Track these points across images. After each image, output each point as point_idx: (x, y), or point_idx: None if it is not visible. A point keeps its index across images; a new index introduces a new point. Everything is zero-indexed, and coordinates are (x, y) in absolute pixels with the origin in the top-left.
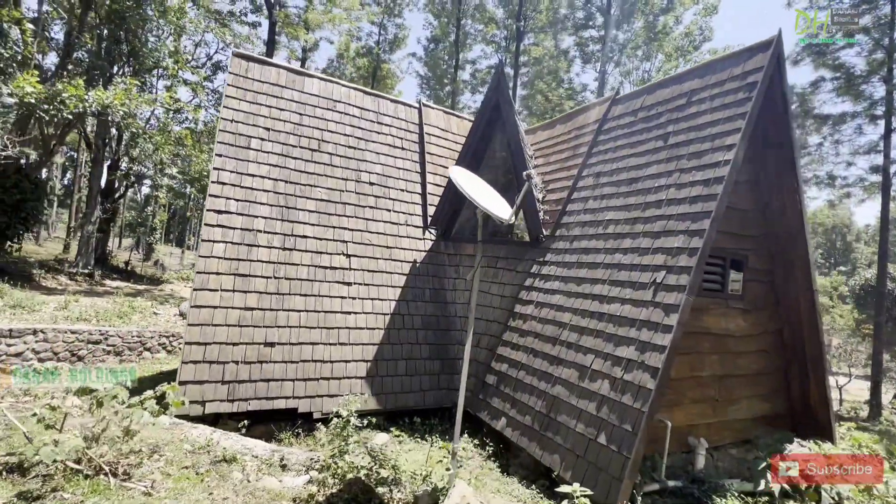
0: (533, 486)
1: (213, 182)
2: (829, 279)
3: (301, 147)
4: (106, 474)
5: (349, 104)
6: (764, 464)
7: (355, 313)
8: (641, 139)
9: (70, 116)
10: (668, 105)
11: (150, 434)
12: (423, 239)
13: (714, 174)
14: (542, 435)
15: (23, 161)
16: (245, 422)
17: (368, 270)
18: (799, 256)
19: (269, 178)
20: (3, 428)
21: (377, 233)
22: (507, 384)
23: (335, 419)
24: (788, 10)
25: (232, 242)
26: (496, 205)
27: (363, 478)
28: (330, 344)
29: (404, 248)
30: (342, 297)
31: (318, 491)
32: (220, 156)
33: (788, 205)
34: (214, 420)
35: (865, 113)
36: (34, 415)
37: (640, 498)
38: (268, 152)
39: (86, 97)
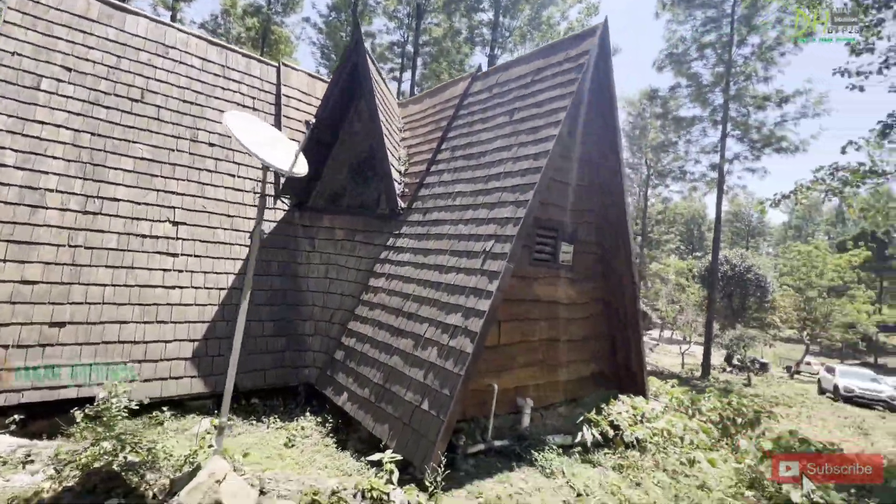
0: (362, 459)
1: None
2: (686, 262)
3: (116, 95)
4: None
5: (187, 52)
6: (581, 418)
7: (182, 287)
8: (493, 114)
9: None
10: (518, 82)
11: None
12: (274, 208)
13: (541, 148)
14: (377, 407)
15: None
16: (15, 416)
17: (202, 241)
18: (622, 233)
19: (68, 129)
20: None
21: (215, 199)
22: (352, 359)
23: (101, 403)
24: (657, 21)
25: (5, 202)
26: (280, 156)
27: (112, 466)
28: (145, 322)
29: (249, 217)
30: (165, 270)
31: (49, 486)
32: None
33: (613, 184)
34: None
35: (709, 118)
36: None
37: (468, 459)
38: (67, 97)
39: None
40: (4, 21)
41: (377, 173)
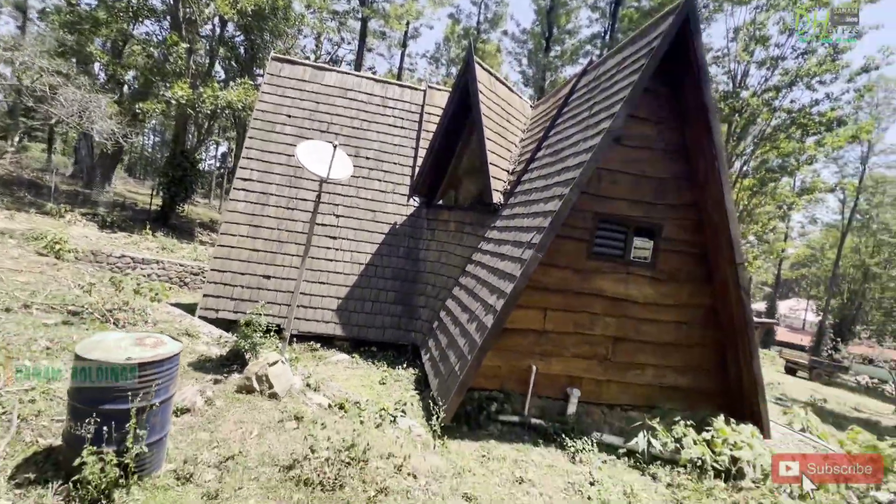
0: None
1: (242, 157)
2: None
3: (313, 129)
4: (112, 322)
5: (358, 91)
6: (639, 423)
7: (336, 261)
8: (580, 111)
9: (209, 112)
10: (606, 75)
11: (152, 313)
12: (407, 205)
13: (593, 142)
14: (437, 366)
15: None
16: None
17: (353, 229)
18: (722, 228)
19: (284, 154)
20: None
21: (366, 199)
22: (439, 329)
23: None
24: None
25: (248, 202)
26: (322, 167)
27: (242, 349)
28: (311, 282)
29: (388, 213)
30: (327, 248)
31: (217, 351)
32: (250, 138)
33: (710, 172)
34: (228, 326)
35: None
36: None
37: (497, 424)
38: (286, 134)
39: (217, 96)
40: (262, 91)
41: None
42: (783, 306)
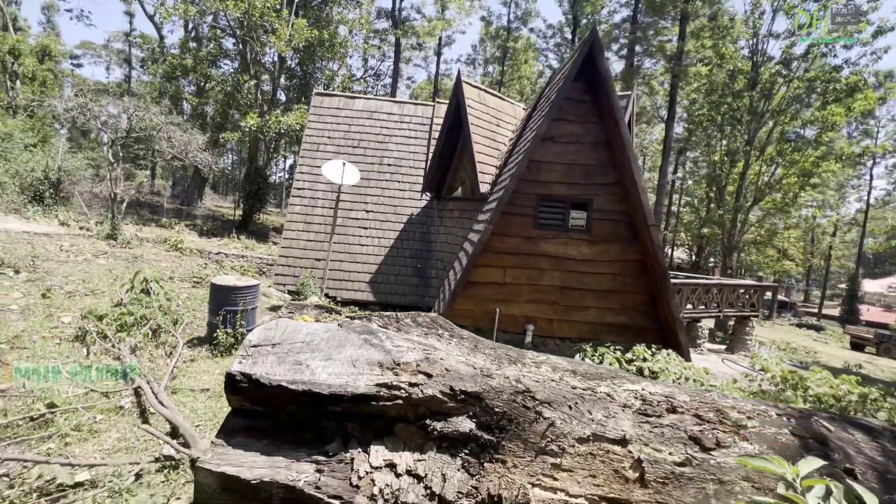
0: None
1: (297, 171)
2: None
3: (347, 146)
4: None
5: (380, 112)
6: (576, 347)
7: (366, 245)
8: (535, 116)
9: (274, 135)
10: (549, 87)
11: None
12: (421, 199)
13: (526, 140)
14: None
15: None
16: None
17: (380, 220)
18: (635, 199)
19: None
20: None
21: (389, 196)
22: (441, 289)
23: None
24: None
25: (302, 205)
26: (337, 177)
27: (298, 291)
28: (349, 262)
29: (406, 206)
30: (360, 236)
31: (282, 303)
32: (301, 156)
33: (623, 157)
34: (291, 296)
35: None
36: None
37: None
38: (328, 151)
39: (279, 121)
40: (309, 120)
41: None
42: (879, 285)
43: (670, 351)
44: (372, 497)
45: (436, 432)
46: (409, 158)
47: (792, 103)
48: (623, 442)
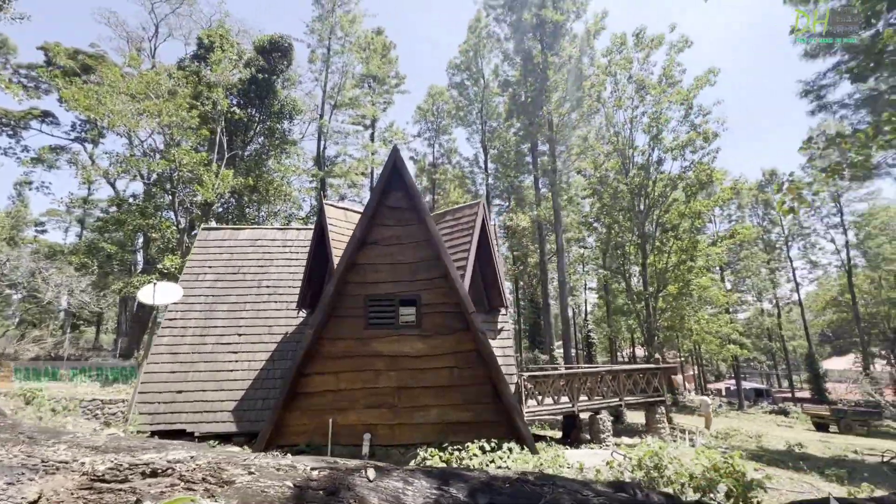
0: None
1: (171, 304)
2: None
3: (227, 273)
4: None
5: (264, 239)
6: (413, 451)
7: (236, 370)
8: None
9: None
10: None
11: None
12: (298, 316)
13: (350, 250)
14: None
15: None
16: (156, 436)
17: (252, 343)
18: (454, 291)
19: (203, 295)
20: None
21: (264, 318)
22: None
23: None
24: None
25: (172, 336)
26: (149, 298)
27: None
28: (213, 390)
29: (281, 325)
30: (229, 361)
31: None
32: (179, 285)
33: (439, 253)
34: (153, 434)
35: None
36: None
37: None
38: (206, 280)
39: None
40: (192, 252)
41: None
42: (845, 361)
43: (512, 445)
44: None
45: None
46: (289, 279)
47: (661, 200)
48: None
